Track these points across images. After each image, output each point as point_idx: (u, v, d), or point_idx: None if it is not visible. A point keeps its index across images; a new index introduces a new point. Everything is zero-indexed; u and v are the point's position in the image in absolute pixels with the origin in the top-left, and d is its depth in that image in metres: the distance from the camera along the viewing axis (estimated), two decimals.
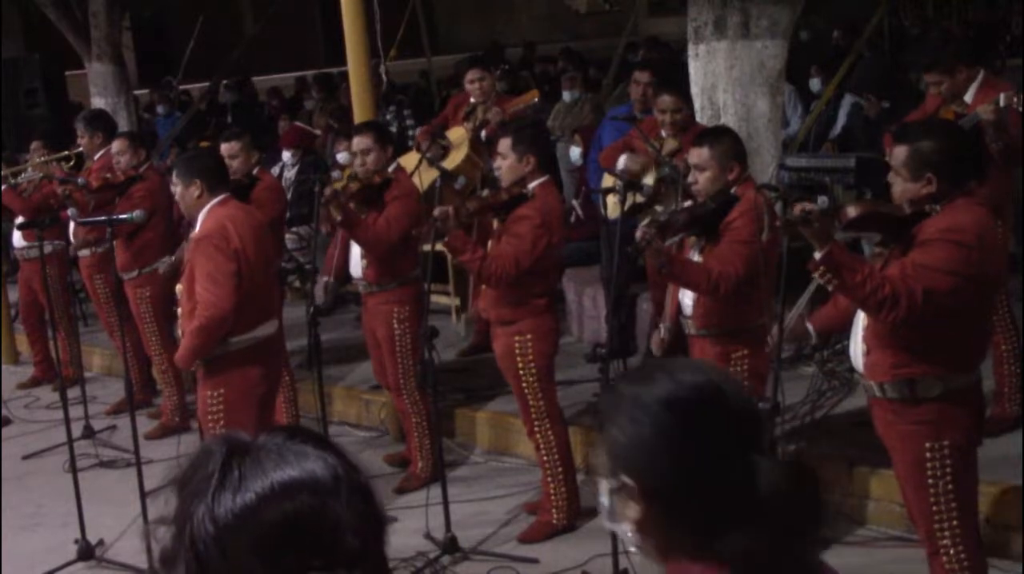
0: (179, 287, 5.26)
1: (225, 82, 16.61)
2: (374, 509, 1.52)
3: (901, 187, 3.92)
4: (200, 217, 5.23)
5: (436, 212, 5.23)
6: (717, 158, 4.82)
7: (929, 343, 3.88)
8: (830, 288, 3.81)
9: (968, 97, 5.42)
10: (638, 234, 4.58)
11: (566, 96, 10.20)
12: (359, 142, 6.22)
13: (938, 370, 3.89)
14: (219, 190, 5.28)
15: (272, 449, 1.50)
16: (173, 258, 6.96)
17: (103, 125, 8.17)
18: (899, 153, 3.93)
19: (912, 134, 3.99)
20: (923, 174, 3.86)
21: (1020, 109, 5.05)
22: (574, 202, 8.26)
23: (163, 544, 1.48)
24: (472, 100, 7.84)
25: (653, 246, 4.55)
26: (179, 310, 5.25)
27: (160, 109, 14.73)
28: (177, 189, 5.32)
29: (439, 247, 5.71)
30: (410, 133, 9.94)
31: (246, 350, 5.20)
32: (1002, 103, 5.06)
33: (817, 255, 3.75)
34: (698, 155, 4.86)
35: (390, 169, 6.21)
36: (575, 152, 8.50)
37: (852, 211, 3.86)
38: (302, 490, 1.46)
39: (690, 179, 4.92)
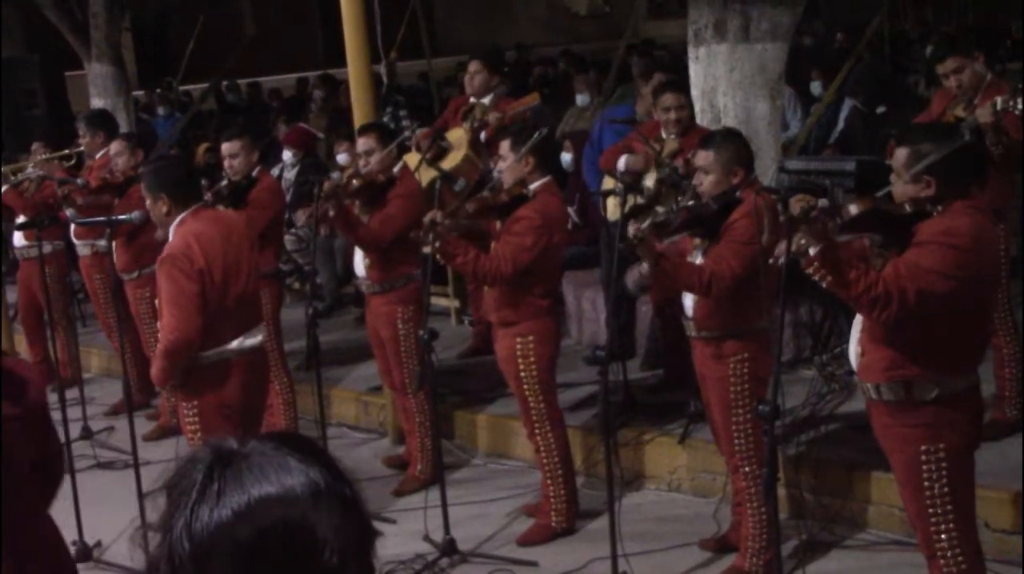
0: (157, 301, 5.14)
1: (226, 83, 16.62)
2: (358, 524, 1.50)
3: (900, 188, 3.95)
4: (171, 231, 5.01)
5: (425, 220, 5.20)
6: (722, 162, 4.82)
7: (923, 345, 3.88)
8: (824, 285, 3.81)
9: (975, 99, 5.41)
10: (630, 230, 4.56)
11: (579, 100, 10.09)
12: (363, 143, 6.23)
13: (932, 372, 3.89)
14: (188, 202, 5.01)
15: (255, 461, 1.49)
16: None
17: (104, 124, 8.17)
18: (900, 154, 3.95)
19: (914, 136, 4.02)
20: (921, 176, 3.87)
21: (1017, 112, 5.03)
22: (569, 209, 8.24)
23: (151, 551, 1.49)
24: (468, 93, 7.79)
25: (645, 243, 4.54)
26: (159, 324, 5.14)
27: (161, 111, 14.73)
28: (147, 203, 5.12)
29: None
30: (407, 134, 9.89)
31: (219, 364, 5.02)
32: (999, 106, 5.05)
33: (812, 251, 3.75)
34: (704, 158, 4.86)
35: (395, 169, 6.21)
36: (565, 158, 8.49)
37: (854, 209, 3.87)
38: (278, 506, 1.45)
39: (695, 181, 4.91)
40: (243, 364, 5.07)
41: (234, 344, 5.05)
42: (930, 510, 3.94)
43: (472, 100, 7.77)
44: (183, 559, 1.44)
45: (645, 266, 4.61)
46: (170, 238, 5.00)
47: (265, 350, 5.39)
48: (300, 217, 7.19)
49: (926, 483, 3.92)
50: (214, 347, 4.99)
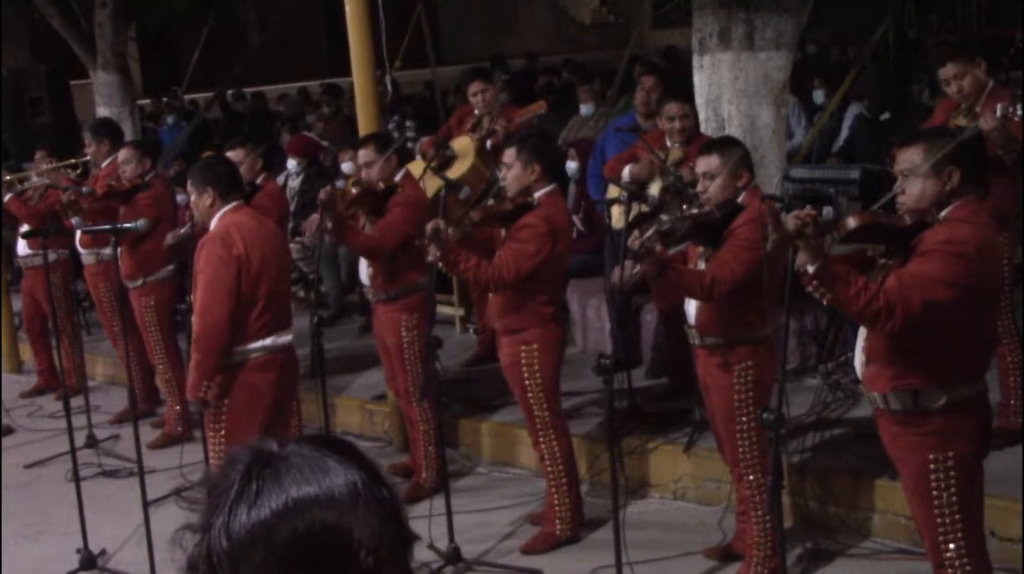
0: (191, 297, 5.29)
1: (231, 92, 16.64)
2: (394, 526, 1.51)
3: (921, 186, 3.84)
4: (212, 224, 5.29)
5: (428, 228, 5.22)
6: (728, 166, 4.82)
7: (928, 354, 3.86)
8: (824, 302, 3.78)
9: (976, 106, 5.40)
10: (636, 242, 4.55)
11: (583, 109, 10.08)
12: (362, 155, 6.25)
13: (938, 381, 3.87)
14: (232, 198, 5.31)
15: (294, 462, 1.50)
16: (182, 231, 6.92)
17: (109, 133, 8.19)
18: (914, 152, 3.86)
19: (926, 135, 3.97)
20: (944, 168, 3.81)
21: (1017, 119, 5.02)
22: (574, 217, 8.24)
23: (189, 551, 1.50)
24: (476, 112, 7.81)
25: (650, 254, 4.53)
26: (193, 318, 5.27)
27: (169, 119, 14.77)
28: (192, 197, 5.40)
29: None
30: (410, 145, 9.89)
31: (253, 361, 5.20)
32: (999, 114, 5.04)
33: (810, 269, 3.72)
34: (707, 163, 4.86)
35: (397, 177, 6.21)
36: (571, 166, 8.50)
37: (852, 222, 3.83)
38: (316, 507, 1.46)
39: (699, 187, 4.91)
40: (276, 363, 5.27)
41: (268, 341, 5.23)
42: (938, 519, 3.93)
43: (476, 112, 7.77)
44: (221, 558, 1.45)
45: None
46: (211, 229, 5.28)
47: (295, 350, 5.47)
48: (307, 227, 7.23)
49: (934, 492, 3.91)
50: (247, 343, 5.17)
